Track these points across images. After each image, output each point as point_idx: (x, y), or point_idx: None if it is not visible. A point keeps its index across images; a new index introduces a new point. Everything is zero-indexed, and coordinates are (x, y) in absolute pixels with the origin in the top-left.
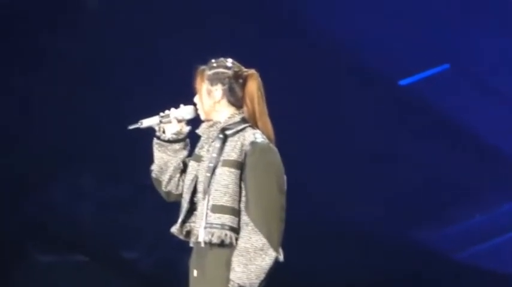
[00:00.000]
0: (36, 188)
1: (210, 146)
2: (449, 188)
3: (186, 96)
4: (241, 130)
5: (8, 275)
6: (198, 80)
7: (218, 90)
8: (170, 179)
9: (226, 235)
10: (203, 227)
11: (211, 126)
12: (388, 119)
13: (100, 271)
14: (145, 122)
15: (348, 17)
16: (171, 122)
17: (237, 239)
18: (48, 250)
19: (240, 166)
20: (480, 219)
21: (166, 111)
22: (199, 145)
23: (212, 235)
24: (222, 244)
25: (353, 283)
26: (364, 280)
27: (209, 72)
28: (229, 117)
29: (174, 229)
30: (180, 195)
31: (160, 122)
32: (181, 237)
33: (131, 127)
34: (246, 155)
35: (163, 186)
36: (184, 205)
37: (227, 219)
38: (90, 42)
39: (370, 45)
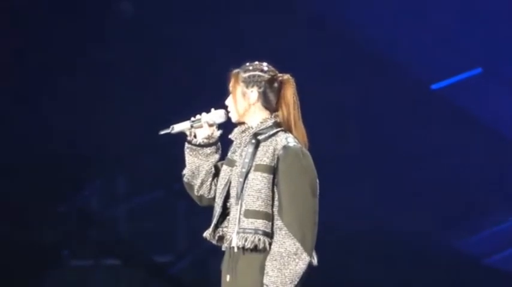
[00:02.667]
0: (70, 194)
1: (243, 151)
2: (482, 192)
3: (218, 100)
4: (273, 135)
5: (43, 280)
6: (232, 83)
7: (254, 92)
8: (202, 183)
9: (259, 239)
10: (236, 232)
11: (243, 131)
12: (421, 123)
13: (133, 275)
14: (177, 127)
15: (383, 22)
16: (202, 126)
17: (270, 244)
18: (82, 255)
19: (273, 170)
20: None
21: (198, 116)
22: (231, 149)
23: (245, 240)
24: (255, 249)
25: None
26: (394, 285)
27: (244, 75)
28: (261, 122)
29: (207, 234)
30: (213, 199)
31: (192, 126)
32: (214, 242)
33: (162, 132)
34: (278, 159)
35: (195, 190)
36: (217, 209)
37: (260, 224)
38: (124, 48)
39: (403, 50)
